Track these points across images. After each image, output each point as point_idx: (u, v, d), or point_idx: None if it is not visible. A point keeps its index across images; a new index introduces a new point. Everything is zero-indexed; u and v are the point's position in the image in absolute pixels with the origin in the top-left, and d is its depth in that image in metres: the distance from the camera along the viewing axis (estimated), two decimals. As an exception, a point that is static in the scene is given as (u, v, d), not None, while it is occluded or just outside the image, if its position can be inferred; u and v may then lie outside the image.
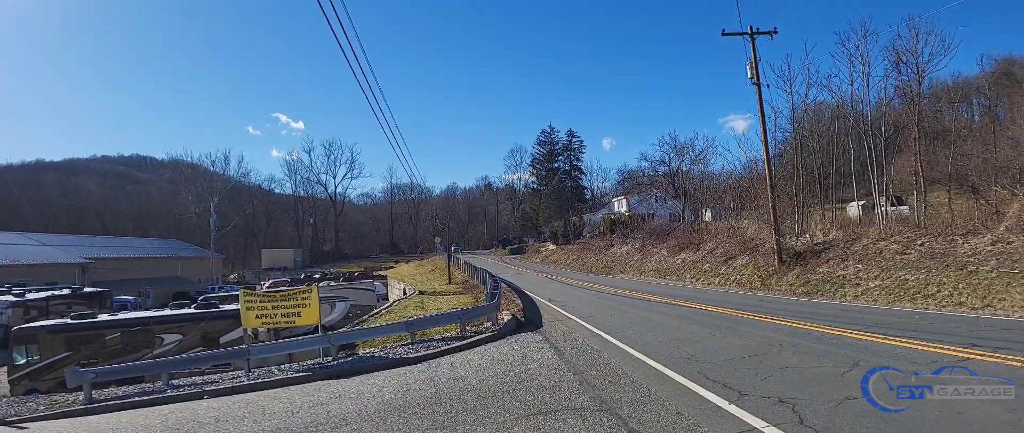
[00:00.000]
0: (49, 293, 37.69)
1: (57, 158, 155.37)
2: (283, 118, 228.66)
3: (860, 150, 36.00)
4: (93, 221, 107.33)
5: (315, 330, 17.83)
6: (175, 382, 16.28)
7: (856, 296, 23.02)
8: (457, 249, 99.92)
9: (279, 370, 16.44)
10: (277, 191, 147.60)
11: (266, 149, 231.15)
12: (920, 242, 25.13)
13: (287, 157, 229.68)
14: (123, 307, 40.96)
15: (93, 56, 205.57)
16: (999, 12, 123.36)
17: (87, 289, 43.46)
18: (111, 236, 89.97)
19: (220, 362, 18.78)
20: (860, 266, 25.70)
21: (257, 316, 17.43)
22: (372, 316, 29.21)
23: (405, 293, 46.09)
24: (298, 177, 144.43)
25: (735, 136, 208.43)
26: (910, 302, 20.25)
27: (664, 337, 15.18)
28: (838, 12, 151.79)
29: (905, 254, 24.64)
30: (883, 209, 33.21)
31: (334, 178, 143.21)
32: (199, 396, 14.59)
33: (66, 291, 39.88)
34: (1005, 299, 17.53)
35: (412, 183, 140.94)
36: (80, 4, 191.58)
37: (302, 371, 15.76)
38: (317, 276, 58.46)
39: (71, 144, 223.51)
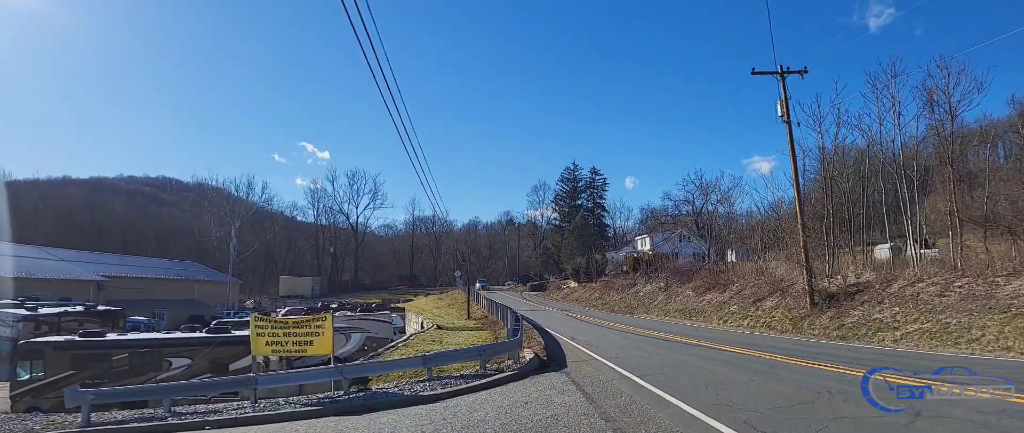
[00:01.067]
0: (62, 309, 37.21)
1: (84, 175, 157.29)
2: (309, 147, 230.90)
3: (891, 190, 35.05)
4: (115, 239, 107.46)
5: (328, 361, 17.01)
6: (178, 409, 15.52)
7: (895, 341, 21.90)
8: (483, 285, 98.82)
9: (287, 402, 15.59)
10: (299, 219, 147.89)
11: (291, 177, 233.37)
12: (959, 284, 24.21)
13: (311, 185, 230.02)
14: (136, 327, 40.57)
15: (127, 77, 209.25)
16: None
17: (100, 307, 42.93)
18: (130, 255, 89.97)
19: (226, 390, 18.07)
20: (897, 309, 24.67)
21: (268, 343, 16.63)
22: (388, 349, 28.41)
23: (423, 327, 45.32)
24: (321, 205, 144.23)
25: (762, 175, 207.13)
26: (954, 347, 19.22)
27: (699, 381, 14.14)
28: (868, 52, 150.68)
29: (944, 296, 23.69)
30: (915, 252, 32.05)
31: (356, 208, 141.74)
32: (200, 426, 13.79)
33: (79, 308, 39.37)
34: (1056, 343, 16.53)
35: (434, 215, 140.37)
36: (118, 26, 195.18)
37: (311, 405, 14.87)
38: (334, 305, 57.50)
39: (99, 162, 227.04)
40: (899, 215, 35.04)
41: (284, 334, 16.56)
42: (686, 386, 13.52)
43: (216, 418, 14.26)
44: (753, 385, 13.24)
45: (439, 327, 40.06)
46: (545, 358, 20.65)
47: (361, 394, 16.00)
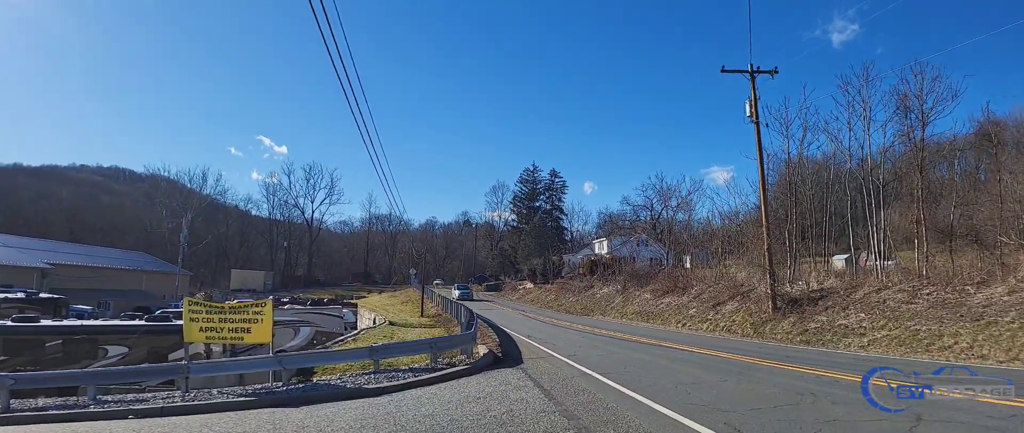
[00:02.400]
0: (2, 295, 35.43)
1: (35, 163, 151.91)
2: (267, 141, 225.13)
3: (857, 197, 34.79)
4: (62, 229, 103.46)
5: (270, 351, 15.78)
6: (105, 397, 14.36)
7: (862, 346, 21.29)
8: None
9: (219, 392, 14.36)
10: (254, 212, 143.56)
11: (247, 171, 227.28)
12: (927, 292, 23.74)
13: (267, 179, 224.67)
14: (80, 316, 38.80)
15: (81, 64, 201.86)
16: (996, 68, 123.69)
17: (43, 294, 40.95)
18: (77, 243, 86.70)
19: (158, 378, 16.81)
20: (863, 315, 24.13)
21: (201, 329, 15.35)
22: (336, 343, 27.20)
23: (375, 322, 44.15)
24: (276, 199, 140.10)
25: (724, 182, 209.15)
26: (925, 354, 18.58)
27: (668, 381, 13.23)
28: (831, 68, 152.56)
29: (912, 304, 23.18)
30: (878, 262, 31.75)
31: (312, 203, 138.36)
32: (123, 415, 12.72)
33: (20, 294, 37.49)
34: (1035, 351, 16.07)
35: (391, 213, 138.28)
36: (71, 13, 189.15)
37: (245, 395, 13.71)
38: (285, 300, 55.58)
39: (50, 150, 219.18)
40: (859, 225, 34.85)
41: (220, 320, 15.32)
42: (653, 385, 12.61)
43: (141, 407, 13.16)
44: (726, 385, 12.40)
45: (391, 323, 38.98)
46: (500, 354, 19.74)
47: (301, 386, 14.85)
